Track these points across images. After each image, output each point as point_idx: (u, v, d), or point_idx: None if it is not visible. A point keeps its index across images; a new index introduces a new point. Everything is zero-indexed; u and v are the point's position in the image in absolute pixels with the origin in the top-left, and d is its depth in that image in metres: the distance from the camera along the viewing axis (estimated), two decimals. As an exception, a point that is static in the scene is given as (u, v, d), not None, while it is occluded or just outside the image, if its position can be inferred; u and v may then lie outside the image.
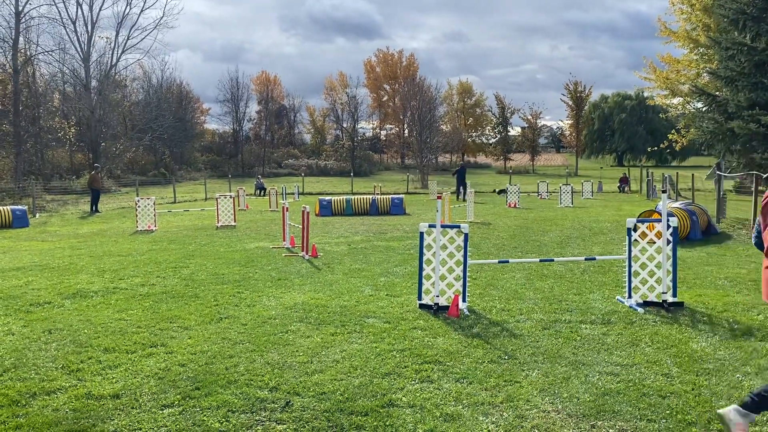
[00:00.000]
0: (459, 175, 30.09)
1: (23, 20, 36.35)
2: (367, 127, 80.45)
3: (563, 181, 32.98)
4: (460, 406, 4.20)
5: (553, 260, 9.89)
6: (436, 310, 6.74)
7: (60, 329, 6.23)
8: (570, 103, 72.11)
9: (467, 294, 7.02)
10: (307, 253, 11.15)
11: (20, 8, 35.79)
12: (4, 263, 11.02)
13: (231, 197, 18.35)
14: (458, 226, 6.94)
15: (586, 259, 9.56)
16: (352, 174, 50.65)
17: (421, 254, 6.99)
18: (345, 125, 73.01)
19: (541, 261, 9.81)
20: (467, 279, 7.02)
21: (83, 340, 5.83)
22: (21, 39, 36.68)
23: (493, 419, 4.00)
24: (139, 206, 17.33)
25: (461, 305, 6.78)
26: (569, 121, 75.43)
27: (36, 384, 4.68)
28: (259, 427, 3.90)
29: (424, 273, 7.03)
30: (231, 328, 6.19)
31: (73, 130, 41.98)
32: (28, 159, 37.94)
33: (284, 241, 12.80)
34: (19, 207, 20.97)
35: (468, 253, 6.96)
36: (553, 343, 5.58)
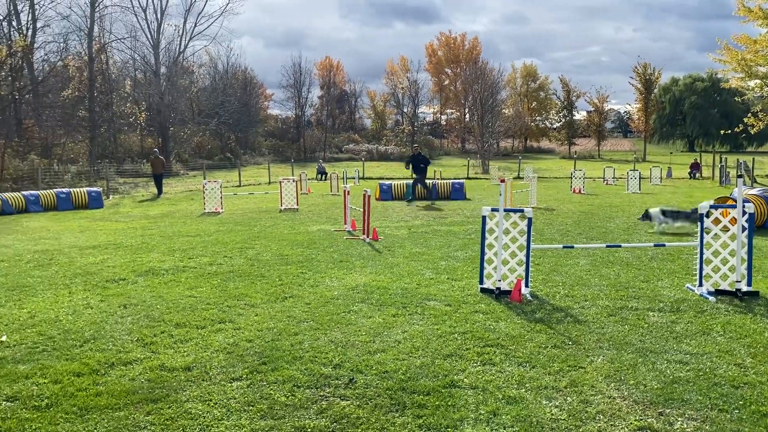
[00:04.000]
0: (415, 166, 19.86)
1: (98, 9, 37.82)
2: (427, 111, 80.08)
3: (631, 167, 31.95)
4: (523, 390, 4.18)
5: (620, 246, 9.63)
6: (498, 294, 6.69)
7: (134, 304, 6.54)
8: (638, 86, 69.49)
9: (530, 279, 6.93)
10: (368, 236, 11.25)
11: (95, -2, 37.23)
12: (82, 241, 11.60)
13: (294, 181, 18.66)
14: (521, 211, 6.85)
15: (655, 246, 9.27)
16: (412, 159, 50.57)
17: (483, 238, 6.94)
18: (405, 110, 72.92)
19: (607, 247, 9.58)
20: (530, 264, 6.94)
21: (156, 315, 6.09)
22: (96, 27, 38.21)
23: (557, 403, 3.96)
24: (206, 189, 17.86)
25: (524, 290, 6.71)
26: (637, 105, 72.72)
27: (113, 355, 4.94)
28: (323, 402, 3.99)
29: (485, 257, 6.98)
30: (295, 307, 6.34)
31: (144, 115, 43.55)
32: (102, 143, 39.65)
33: (345, 224, 12.94)
34: (95, 189, 21.99)
35: (531, 238, 6.86)
36: (619, 330, 5.46)
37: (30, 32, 34.35)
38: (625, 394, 4.09)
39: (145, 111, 43.84)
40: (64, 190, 20.74)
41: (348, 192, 13.16)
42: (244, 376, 4.44)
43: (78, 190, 20.96)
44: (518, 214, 6.88)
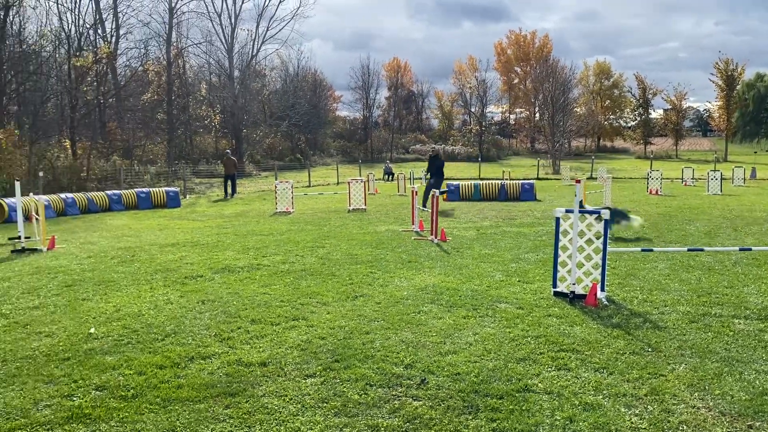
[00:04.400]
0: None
1: (175, 15, 39.38)
2: (496, 111, 79.09)
3: (711, 167, 30.51)
4: (601, 396, 4.06)
5: (702, 250, 9.21)
6: (572, 298, 6.53)
7: (212, 300, 6.76)
8: (719, 82, 66.24)
9: (606, 283, 6.73)
10: (436, 237, 11.22)
11: (173, 4, 38.81)
12: (161, 239, 12.09)
13: (362, 182, 18.84)
14: (597, 212, 6.66)
15: (740, 250, 8.82)
16: (479, 159, 50.08)
17: (557, 240, 6.79)
18: (473, 109, 72.27)
19: (688, 250, 9.18)
20: (606, 268, 6.73)
21: (232, 311, 6.28)
22: (173, 33, 39.79)
23: (637, 411, 3.83)
24: (278, 189, 18.29)
25: (599, 294, 6.52)
26: (718, 103, 69.33)
27: (193, 349, 5.12)
28: (396, 402, 4.01)
29: (559, 260, 6.83)
30: (366, 306, 6.40)
31: (218, 118, 45.04)
32: (179, 144, 41.23)
33: (413, 224, 12.95)
34: (172, 188, 22.90)
35: (607, 241, 6.66)
36: (702, 338, 5.22)
37: (113, 39, 36.14)
38: (710, 404, 3.91)
39: (219, 113, 45.33)
40: (144, 189, 21.70)
41: (416, 192, 13.17)
42: (318, 373, 4.52)
43: (157, 189, 21.88)
44: (594, 215, 6.70)
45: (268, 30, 49.39)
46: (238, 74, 47.56)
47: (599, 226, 6.59)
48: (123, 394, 4.19)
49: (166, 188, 22.89)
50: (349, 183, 18.69)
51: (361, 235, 12.19)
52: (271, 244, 11.03)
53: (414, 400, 4.04)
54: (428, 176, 18.45)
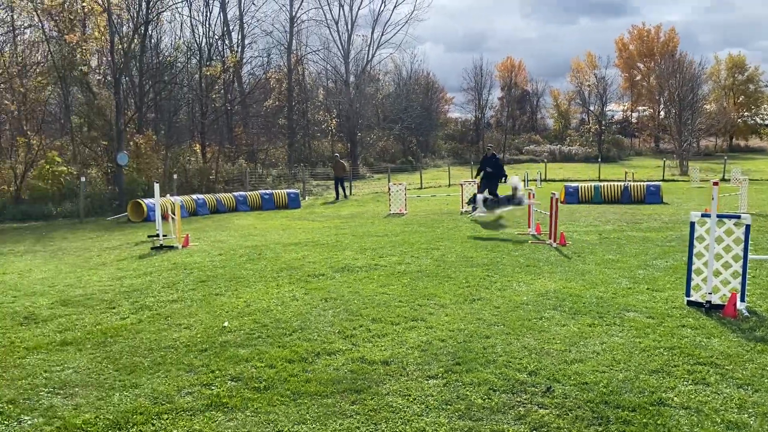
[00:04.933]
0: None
1: (296, 24, 41.03)
2: (616, 109, 75.49)
3: None
4: (746, 415, 3.77)
5: None
6: (708, 308, 6.11)
7: (334, 298, 6.98)
8: None
9: (746, 293, 6.24)
10: (554, 241, 10.90)
11: (294, 13, 40.45)
12: (284, 239, 12.63)
13: (475, 184, 18.67)
14: (737, 217, 6.19)
15: None
16: (599, 160, 48.05)
17: (691, 246, 6.38)
18: (592, 108, 69.45)
19: (841, 260, 8.31)
20: (746, 276, 6.24)
21: (354, 309, 6.45)
22: (294, 41, 41.46)
23: (789, 435, 3.52)
24: (391, 192, 18.55)
25: (739, 305, 6.05)
26: None
27: (319, 345, 5.31)
28: (521, 409, 3.94)
29: (693, 267, 6.41)
30: (484, 310, 6.34)
31: (334, 122, 46.39)
32: (298, 148, 42.88)
33: (530, 227, 12.66)
34: (293, 190, 23.87)
35: (748, 248, 6.17)
36: None
37: (239, 49, 38.23)
38: None
39: (335, 118, 46.68)
40: (267, 191, 22.81)
41: (533, 195, 12.86)
42: (440, 374, 4.54)
43: (279, 191, 22.92)
44: (733, 220, 6.23)
45: (383, 35, 50.29)
46: (353, 79, 48.75)
47: (739, 232, 6.12)
48: (256, 385, 4.43)
49: (287, 190, 23.91)
50: (461, 185, 18.60)
51: (475, 237, 12.08)
52: (386, 245, 11.20)
53: (540, 407, 3.96)
54: (478, 178, 17.79)
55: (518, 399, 4.09)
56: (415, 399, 4.12)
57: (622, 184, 20.72)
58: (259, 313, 6.44)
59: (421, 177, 35.44)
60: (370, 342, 5.35)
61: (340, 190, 26.33)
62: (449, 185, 33.43)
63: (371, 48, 49.74)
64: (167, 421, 3.89)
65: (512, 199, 12.95)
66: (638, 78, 73.91)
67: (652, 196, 19.57)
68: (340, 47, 47.88)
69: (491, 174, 17.21)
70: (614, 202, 19.64)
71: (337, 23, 47.49)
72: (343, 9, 47.82)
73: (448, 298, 6.89)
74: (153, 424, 3.84)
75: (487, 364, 4.72)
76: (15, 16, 28.38)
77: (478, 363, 4.75)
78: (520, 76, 75.25)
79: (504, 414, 3.87)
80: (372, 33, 49.96)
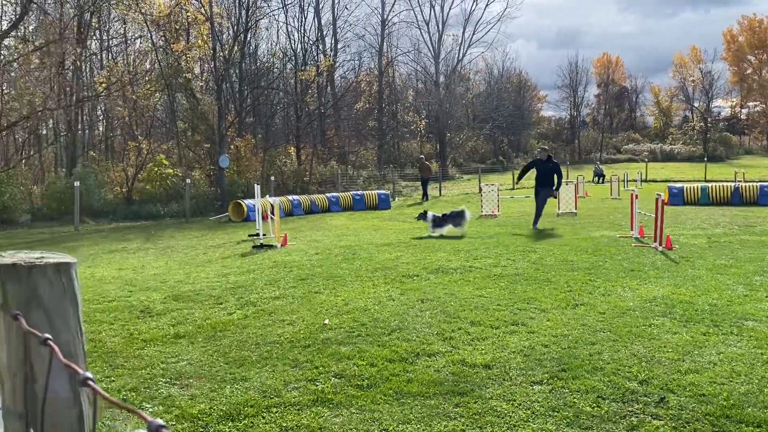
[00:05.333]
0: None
1: (387, 26, 41.45)
2: (723, 105, 71.06)
3: None
4: None
5: None
6: (840, 319, 5.62)
7: (430, 300, 6.97)
8: None
9: None
10: (660, 245, 10.38)
11: (385, 16, 40.90)
12: (377, 239, 12.77)
13: (573, 184, 18.14)
14: None
15: None
16: (705, 159, 45.41)
17: (819, 252, 5.89)
18: (696, 105, 65.74)
19: None
20: None
21: (451, 311, 6.42)
22: (384, 44, 41.91)
23: None
24: (483, 192, 18.34)
25: None
26: None
27: (418, 346, 5.32)
28: (633, 419, 3.78)
29: (821, 274, 5.92)
30: (588, 315, 6.13)
31: (423, 123, 46.46)
32: (388, 150, 43.30)
33: (632, 230, 12.14)
34: (383, 191, 24.13)
35: None
36: None
37: (332, 53, 39.07)
38: None
39: (424, 118, 46.75)
40: (358, 192, 23.18)
41: (636, 196, 12.33)
42: (545, 380, 4.43)
43: (369, 192, 23.23)
44: None
45: (474, 34, 49.84)
46: (443, 79, 48.64)
47: None
48: (359, 383, 4.49)
49: (378, 191, 24.18)
50: (558, 186, 18.09)
51: (574, 240, 11.73)
52: (480, 247, 11.08)
53: (654, 418, 3.77)
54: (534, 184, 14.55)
55: (629, 408, 3.92)
56: (520, 404, 4.04)
57: (733, 184, 19.48)
58: (358, 311, 6.54)
59: (513, 177, 34.81)
60: (469, 345, 5.30)
61: (433, 192, 26.37)
62: (542, 186, 32.66)
63: (462, 47, 49.44)
64: (276, 414, 4.02)
65: (455, 220, 12.68)
66: (749, 71, 69.22)
67: (767, 197, 18.26)
68: (431, 48, 47.90)
69: (544, 180, 14.09)
70: (723, 204, 18.49)
71: (427, 24, 47.57)
72: (434, 9, 47.82)
73: (548, 302, 6.72)
74: (263, 417, 3.98)
75: (595, 372, 4.55)
76: (127, 28, 30.33)
77: (585, 370, 4.59)
78: (617, 73, 72.48)
79: (615, 423, 3.72)
80: (463, 32, 49.67)
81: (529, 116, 62.89)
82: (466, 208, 13.46)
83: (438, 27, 47.78)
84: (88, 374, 0.65)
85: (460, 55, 50.18)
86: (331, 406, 4.13)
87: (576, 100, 65.55)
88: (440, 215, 13.18)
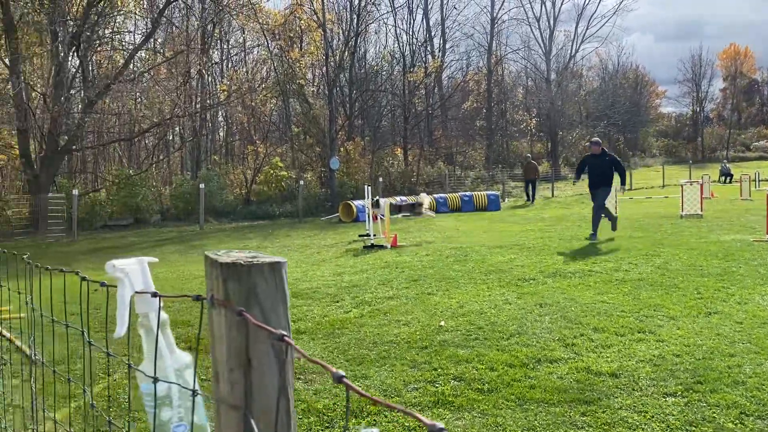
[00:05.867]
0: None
1: (496, 24, 40.86)
2: None
3: None
4: None
5: None
6: None
7: (549, 304, 6.78)
8: None
9: None
10: (803, 250, 9.50)
11: (494, 14, 40.35)
12: (488, 241, 12.60)
13: (697, 184, 17.02)
14: None
15: None
16: None
17: None
18: (840, 96, 59.65)
19: None
20: None
21: (572, 317, 6.20)
22: (494, 42, 41.34)
23: None
24: (600, 192, 17.61)
25: None
26: None
27: (539, 351, 5.19)
28: (784, 440, 3.48)
29: None
30: (723, 325, 5.71)
31: (534, 122, 45.35)
32: (497, 149, 42.65)
33: (769, 233, 11.20)
34: (492, 192, 23.79)
35: None
36: None
37: (440, 54, 39.07)
38: None
39: (535, 117, 45.63)
40: (466, 193, 23.01)
41: (774, 197, 11.36)
42: (679, 392, 4.17)
43: (478, 193, 22.99)
44: None
45: (587, 29, 48.06)
46: (554, 77, 47.26)
47: None
48: (479, 387, 4.44)
49: (487, 192, 23.88)
50: (682, 186, 17.05)
51: (701, 243, 10.99)
52: (599, 250, 10.64)
53: (808, 441, 3.45)
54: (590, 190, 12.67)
55: (779, 429, 3.61)
56: (653, 416, 3.83)
57: None
58: (473, 314, 6.48)
59: (630, 177, 33.18)
60: (593, 352, 5.10)
61: (530, 192, 25.50)
62: (663, 186, 30.92)
63: (574, 43, 47.83)
64: (398, 413, 4.06)
65: (413, 208, 12.20)
66: None
67: None
68: (541, 44, 46.69)
69: (598, 179, 12.17)
70: None
71: (538, 20, 46.40)
72: (545, 5, 46.55)
73: (677, 309, 6.33)
74: (385, 416, 4.04)
75: (735, 386, 4.23)
76: (245, 38, 31.91)
77: (723, 383, 4.28)
78: (746, 65, 67.25)
79: (763, 444, 3.44)
80: (576, 27, 48.03)
81: (646, 113, 59.75)
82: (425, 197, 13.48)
83: (549, 23, 46.49)
84: (341, 372, 0.67)
85: (573, 51, 48.58)
86: (452, 408, 4.11)
87: (699, 94, 61.51)
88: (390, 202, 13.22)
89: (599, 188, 12.21)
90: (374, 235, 13.07)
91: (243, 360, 0.79)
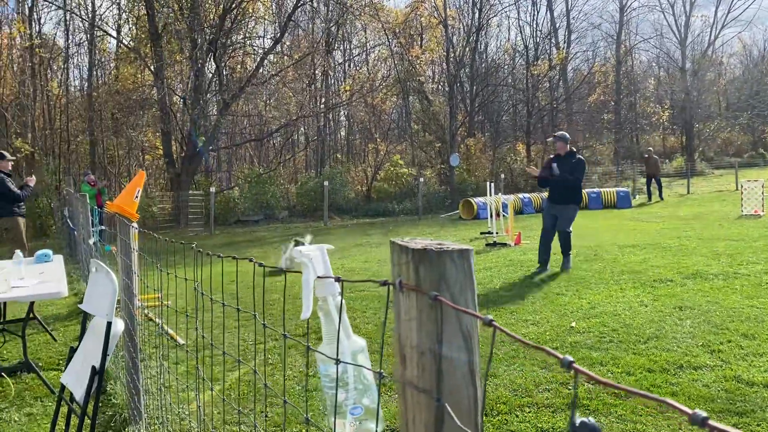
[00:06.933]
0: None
1: (626, 13, 38.79)
2: None
3: None
4: None
5: None
6: None
7: (689, 307, 6.34)
8: None
9: None
10: None
11: (624, 2, 38.31)
12: (619, 239, 12.01)
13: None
14: None
15: None
16: None
17: None
18: None
19: None
20: None
21: (717, 321, 5.76)
22: (623, 31, 39.27)
23: None
24: (744, 189, 16.23)
25: None
26: None
27: (680, 357, 4.87)
28: None
29: None
30: None
31: (666, 114, 42.56)
32: (626, 144, 40.50)
33: None
34: (622, 189, 22.64)
35: None
36: None
37: (565, 46, 37.73)
38: None
39: (667, 109, 42.84)
40: (594, 189, 22.04)
41: None
42: None
43: (607, 189, 21.96)
44: None
45: (728, 13, 44.46)
46: (690, 66, 44.09)
47: None
48: (615, 391, 4.24)
49: (616, 188, 22.77)
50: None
51: None
52: (745, 251, 9.80)
53: None
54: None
55: None
56: (818, 435, 3.47)
57: None
58: (606, 316, 6.19)
59: (778, 173, 30.31)
60: (743, 360, 4.71)
61: (654, 189, 23.42)
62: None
63: (713, 29, 44.38)
64: (530, 414, 3.97)
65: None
66: None
67: None
68: (676, 32, 43.71)
69: (559, 192, 8.82)
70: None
71: (672, 6, 43.50)
72: (680, -10, 43.54)
73: (843, 318, 5.69)
74: (516, 415, 3.96)
75: None
76: (367, 37, 32.58)
77: None
78: None
79: None
80: (715, 12, 44.87)
81: (799, 102, 54.12)
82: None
83: (685, 8, 43.43)
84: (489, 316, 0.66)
85: (712, 37, 45.07)
86: (587, 411, 3.97)
87: None
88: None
89: (559, 204, 8.77)
90: (497, 233, 12.87)
91: (434, 343, 0.80)
